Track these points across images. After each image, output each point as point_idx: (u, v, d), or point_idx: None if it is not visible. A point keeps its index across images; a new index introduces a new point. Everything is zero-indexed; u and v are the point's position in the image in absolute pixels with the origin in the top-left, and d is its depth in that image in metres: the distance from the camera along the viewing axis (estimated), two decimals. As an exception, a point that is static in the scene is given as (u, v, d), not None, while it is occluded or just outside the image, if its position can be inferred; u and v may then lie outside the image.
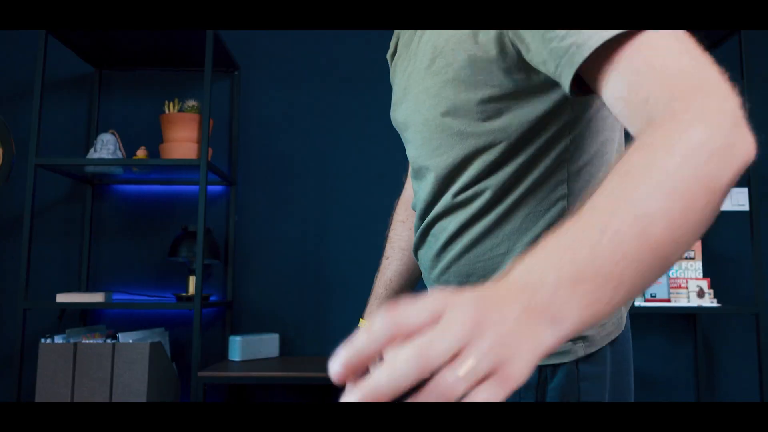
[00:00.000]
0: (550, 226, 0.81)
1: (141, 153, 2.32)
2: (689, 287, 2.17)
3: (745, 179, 2.45)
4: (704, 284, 2.16)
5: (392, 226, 1.16)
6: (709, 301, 2.14)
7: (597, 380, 0.85)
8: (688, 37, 0.65)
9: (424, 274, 0.95)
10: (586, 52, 0.63)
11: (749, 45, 2.14)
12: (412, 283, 1.14)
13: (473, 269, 0.85)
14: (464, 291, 0.45)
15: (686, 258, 2.31)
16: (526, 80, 0.75)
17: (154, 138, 2.51)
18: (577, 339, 0.82)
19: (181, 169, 2.32)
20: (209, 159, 2.21)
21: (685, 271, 2.30)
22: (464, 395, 0.48)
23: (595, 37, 0.64)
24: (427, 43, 0.87)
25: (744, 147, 0.55)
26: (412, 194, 1.06)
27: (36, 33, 2.56)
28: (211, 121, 2.44)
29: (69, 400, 1.99)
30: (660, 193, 0.50)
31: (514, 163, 0.80)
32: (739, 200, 2.50)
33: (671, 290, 2.20)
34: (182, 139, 2.27)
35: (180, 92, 2.58)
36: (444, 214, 0.87)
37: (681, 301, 2.17)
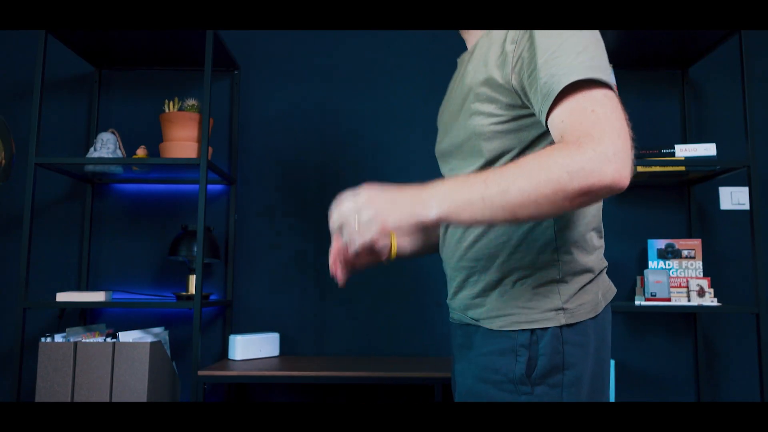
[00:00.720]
0: (536, 224, 1.08)
1: (141, 152, 2.32)
2: (690, 286, 2.17)
3: (745, 179, 2.45)
4: (705, 283, 2.16)
5: None
6: (709, 301, 2.14)
7: (580, 347, 1.07)
8: (613, 96, 0.93)
9: (448, 262, 1.21)
10: (549, 99, 0.93)
11: (749, 45, 2.14)
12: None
13: (481, 255, 1.11)
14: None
15: (687, 257, 2.31)
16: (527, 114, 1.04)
17: (154, 137, 2.51)
18: (558, 309, 1.07)
19: (181, 168, 2.32)
20: (209, 158, 2.21)
21: (686, 271, 2.30)
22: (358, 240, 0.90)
23: (556, 82, 0.92)
24: (459, 89, 1.14)
25: (599, 175, 0.85)
26: None
27: (36, 32, 2.56)
28: (211, 121, 2.44)
29: (69, 399, 1.99)
30: (524, 178, 0.86)
31: None
32: (739, 199, 2.50)
33: (671, 289, 2.20)
34: (182, 139, 2.27)
35: (180, 91, 2.58)
36: None
37: (681, 300, 2.17)
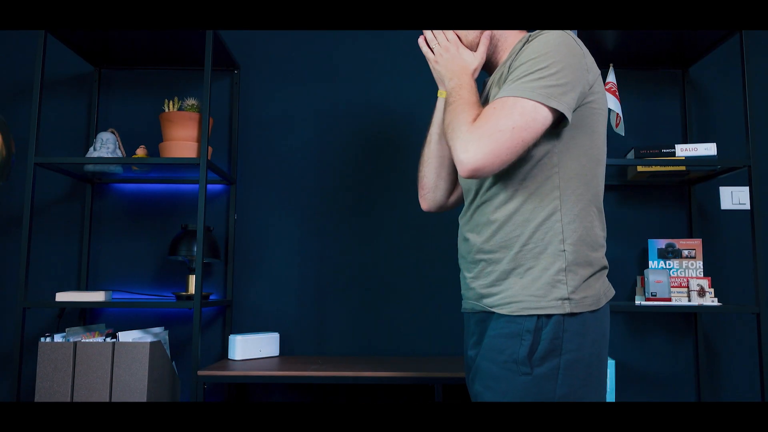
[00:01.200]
0: (547, 218, 1.23)
1: (141, 152, 2.31)
2: (690, 286, 2.17)
3: (745, 178, 2.45)
4: (705, 283, 2.16)
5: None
6: (709, 301, 2.13)
7: (579, 336, 1.19)
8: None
9: (465, 257, 1.36)
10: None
11: (749, 45, 2.14)
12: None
13: (496, 247, 1.26)
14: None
15: (687, 257, 2.31)
16: None
17: (154, 137, 2.51)
18: (564, 299, 1.19)
19: (180, 167, 2.32)
20: (209, 158, 2.20)
21: (686, 270, 2.30)
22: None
23: (503, 92, 1.22)
24: None
25: (457, 147, 1.18)
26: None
27: (36, 32, 2.56)
28: (211, 120, 2.43)
29: (69, 399, 1.99)
30: (454, 112, 1.23)
31: (518, 176, 1.25)
32: (740, 199, 2.49)
33: (672, 289, 2.20)
34: (182, 138, 2.27)
35: (180, 91, 2.58)
36: (477, 210, 1.33)
37: (682, 300, 2.17)
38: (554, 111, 1.18)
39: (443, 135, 1.33)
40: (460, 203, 1.56)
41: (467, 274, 1.34)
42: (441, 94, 1.46)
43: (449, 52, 1.36)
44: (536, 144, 1.21)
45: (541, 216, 1.23)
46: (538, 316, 1.19)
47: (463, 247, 1.37)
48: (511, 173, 1.24)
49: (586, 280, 1.23)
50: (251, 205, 2.54)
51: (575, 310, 1.19)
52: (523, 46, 1.24)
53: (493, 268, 1.26)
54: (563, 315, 1.19)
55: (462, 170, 1.17)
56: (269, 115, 2.58)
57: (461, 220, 1.40)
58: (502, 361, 1.19)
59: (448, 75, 1.34)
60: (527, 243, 1.23)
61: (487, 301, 1.27)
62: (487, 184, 1.29)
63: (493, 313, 1.25)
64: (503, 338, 1.21)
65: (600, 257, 1.27)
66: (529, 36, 1.25)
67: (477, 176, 1.16)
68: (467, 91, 1.26)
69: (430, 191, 1.52)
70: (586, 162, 1.27)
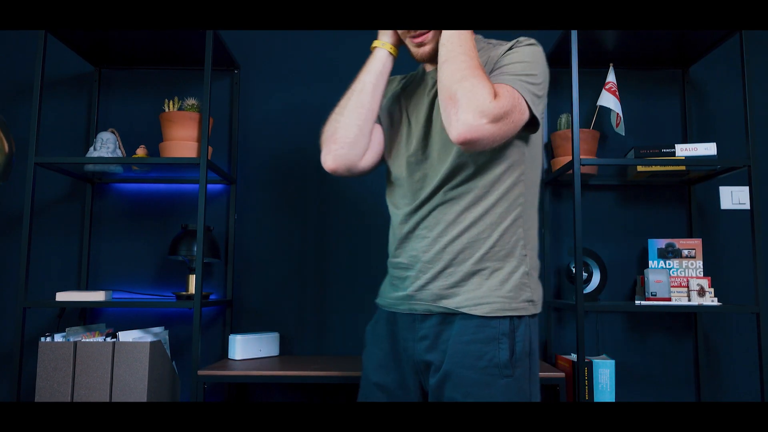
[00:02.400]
0: (513, 222, 1.27)
1: (141, 151, 2.32)
2: (690, 286, 2.17)
3: (745, 178, 2.45)
4: (705, 283, 2.16)
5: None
6: (709, 300, 2.14)
7: (535, 336, 1.27)
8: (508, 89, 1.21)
9: (417, 258, 1.31)
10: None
11: (749, 45, 2.14)
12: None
13: (462, 248, 1.26)
14: None
15: (687, 257, 2.31)
16: None
17: (154, 136, 2.51)
18: (530, 301, 1.26)
19: (180, 167, 2.32)
20: (209, 158, 2.20)
21: (686, 270, 2.30)
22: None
23: (498, 79, 1.24)
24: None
25: (467, 110, 1.14)
26: None
27: (35, 32, 2.56)
28: (211, 120, 2.43)
29: (69, 399, 1.99)
30: (460, 66, 1.18)
31: (490, 176, 1.27)
32: (739, 199, 2.50)
33: (672, 289, 2.20)
34: (182, 138, 2.27)
35: (180, 91, 2.58)
36: (437, 207, 1.30)
37: (682, 300, 2.17)
38: (532, 118, 1.24)
39: (440, 84, 1.21)
40: (370, 170, 1.45)
41: (419, 275, 1.30)
42: (382, 45, 1.40)
43: None
44: (510, 147, 1.27)
45: (509, 220, 1.27)
46: (511, 317, 1.23)
47: (414, 245, 1.32)
48: (483, 174, 1.26)
49: (537, 283, 1.31)
50: (251, 205, 2.54)
51: (536, 312, 1.28)
52: (509, 49, 1.27)
53: (456, 269, 1.26)
54: (530, 316, 1.26)
55: (462, 131, 1.14)
56: (269, 115, 2.58)
57: (406, 216, 1.34)
58: (481, 366, 1.20)
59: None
60: (494, 245, 1.25)
61: (448, 302, 1.26)
62: (455, 182, 1.28)
63: (457, 314, 1.25)
64: (480, 344, 1.21)
65: (539, 263, 1.35)
66: (515, 42, 1.28)
67: (467, 145, 1.15)
68: (474, 49, 1.22)
69: (347, 147, 1.36)
70: (539, 171, 1.36)
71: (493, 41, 1.38)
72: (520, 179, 1.29)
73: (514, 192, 1.28)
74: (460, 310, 1.24)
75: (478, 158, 1.26)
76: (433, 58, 1.34)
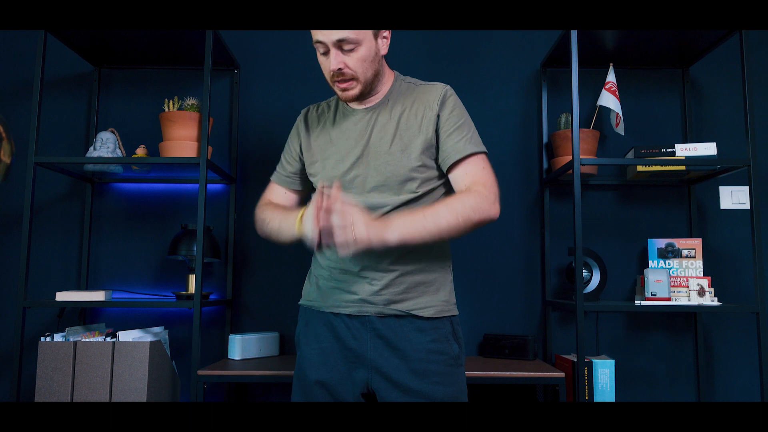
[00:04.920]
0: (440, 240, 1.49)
1: (140, 151, 2.31)
2: (690, 286, 2.17)
3: (745, 178, 2.45)
4: (705, 283, 2.16)
5: (264, 211, 1.66)
6: (709, 300, 2.13)
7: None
8: (483, 158, 1.50)
9: (370, 266, 1.47)
10: (464, 153, 1.47)
11: (749, 45, 2.14)
12: None
13: (412, 260, 1.47)
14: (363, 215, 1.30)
15: (687, 257, 2.31)
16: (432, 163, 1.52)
17: (154, 136, 2.51)
18: (454, 303, 1.53)
19: (180, 167, 2.32)
20: (209, 157, 2.20)
21: (686, 270, 2.30)
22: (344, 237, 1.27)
23: (468, 148, 1.47)
24: (382, 133, 1.52)
25: (487, 212, 1.39)
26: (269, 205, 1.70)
27: (35, 32, 2.55)
28: (211, 120, 2.43)
29: (69, 398, 1.99)
30: (450, 215, 1.36)
31: (432, 200, 1.51)
32: (739, 198, 2.50)
33: (672, 289, 2.20)
34: (182, 138, 2.27)
35: (180, 90, 2.58)
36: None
37: (681, 299, 2.17)
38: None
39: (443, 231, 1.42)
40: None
41: (375, 282, 1.46)
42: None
43: (358, 224, 1.30)
44: (442, 176, 1.51)
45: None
46: (450, 317, 1.50)
47: (367, 255, 1.46)
48: (426, 198, 1.48)
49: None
50: (251, 205, 2.53)
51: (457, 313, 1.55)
52: (442, 98, 1.48)
53: (406, 278, 1.46)
54: (457, 316, 1.53)
55: (496, 217, 1.42)
56: (269, 115, 2.58)
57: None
58: (443, 359, 1.44)
59: (387, 234, 1.34)
60: (436, 259, 1.50)
61: (400, 306, 1.46)
62: (399, 208, 1.46)
63: (408, 315, 1.46)
64: (439, 342, 1.46)
65: None
66: (445, 90, 1.50)
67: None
68: (424, 214, 1.38)
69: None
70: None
71: (410, 79, 1.57)
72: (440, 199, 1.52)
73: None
74: (411, 312, 1.46)
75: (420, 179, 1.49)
76: (358, 99, 1.51)
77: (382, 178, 1.47)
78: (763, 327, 2.01)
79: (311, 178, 1.64)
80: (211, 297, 2.44)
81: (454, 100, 1.51)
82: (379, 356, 1.45)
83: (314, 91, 2.58)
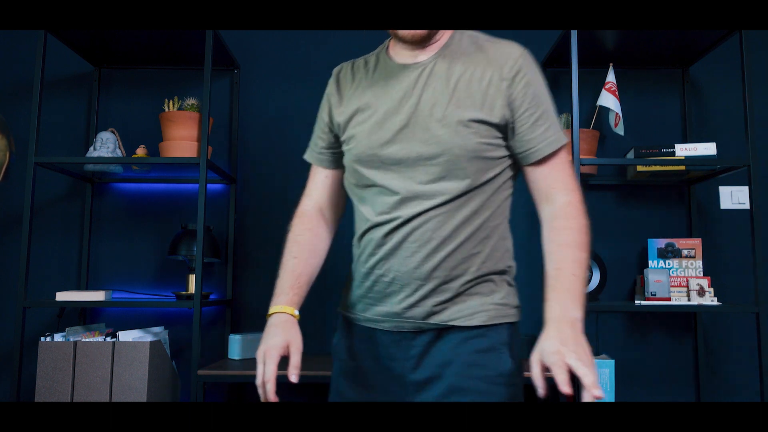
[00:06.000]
0: (501, 235, 1.24)
1: (140, 151, 2.32)
2: (690, 286, 2.17)
3: (745, 178, 2.45)
4: (704, 283, 2.16)
5: (299, 232, 1.44)
6: (709, 300, 2.14)
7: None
8: (567, 152, 1.23)
9: (402, 273, 1.20)
10: (552, 148, 1.20)
11: (749, 45, 2.14)
12: (313, 279, 1.41)
13: (455, 264, 1.18)
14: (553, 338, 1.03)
15: (687, 257, 2.31)
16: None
17: (154, 136, 2.51)
18: (517, 306, 1.24)
19: (180, 167, 2.32)
20: (209, 157, 2.20)
21: (686, 270, 2.30)
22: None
23: (553, 144, 1.20)
24: (429, 95, 1.21)
25: (587, 227, 1.18)
26: (312, 208, 1.47)
27: (35, 32, 2.55)
28: (211, 120, 2.43)
29: (69, 398, 1.99)
30: (584, 255, 1.15)
31: (487, 189, 1.22)
32: (739, 198, 2.50)
33: (672, 289, 2.20)
34: (182, 138, 2.27)
35: (180, 90, 2.58)
36: (431, 220, 1.18)
37: (681, 299, 2.17)
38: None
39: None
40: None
41: (412, 293, 1.19)
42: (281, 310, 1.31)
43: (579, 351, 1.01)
44: (509, 159, 1.24)
45: (495, 235, 1.23)
46: (506, 324, 1.21)
47: (402, 261, 1.20)
48: (486, 187, 1.21)
49: (516, 291, 1.30)
50: (251, 205, 2.54)
51: (519, 318, 1.26)
52: (518, 67, 1.19)
53: (450, 285, 1.18)
54: (515, 323, 1.24)
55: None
56: (269, 115, 2.58)
57: (391, 227, 1.21)
58: (485, 376, 1.16)
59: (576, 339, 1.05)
60: (487, 259, 1.21)
61: (438, 317, 1.19)
62: (453, 201, 1.19)
63: (451, 328, 1.19)
64: (483, 354, 1.17)
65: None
66: (522, 57, 1.21)
67: None
68: (574, 274, 1.13)
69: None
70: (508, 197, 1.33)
71: (473, 33, 1.27)
72: (508, 189, 1.27)
73: (504, 204, 1.26)
74: (452, 323, 1.18)
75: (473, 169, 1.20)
76: (420, 43, 1.23)
77: (433, 155, 1.16)
78: (763, 327, 2.01)
79: (345, 154, 1.31)
80: (211, 297, 2.44)
81: (533, 72, 1.20)
82: (419, 377, 1.21)
83: (314, 90, 2.58)
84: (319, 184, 1.45)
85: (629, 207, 2.51)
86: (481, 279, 1.20)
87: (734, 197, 2.50)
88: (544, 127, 1.18)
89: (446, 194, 1.17)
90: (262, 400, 1.14)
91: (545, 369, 0.99)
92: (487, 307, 1.19)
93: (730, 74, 2.56)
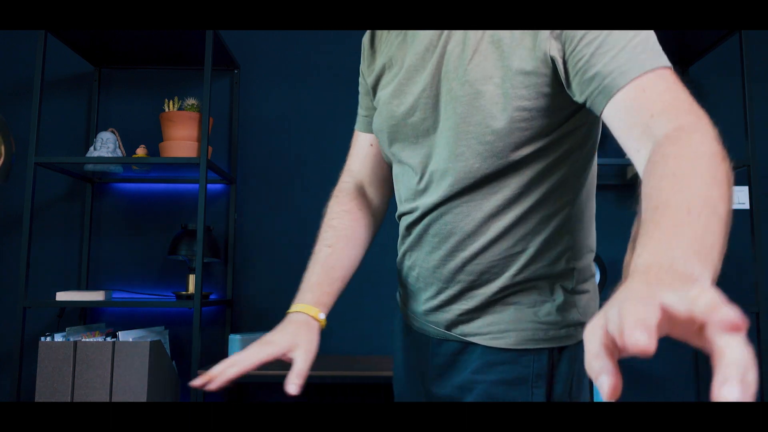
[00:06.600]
0: (557, 229, 0.90)
1: (141, 151, 2.32)
2: (689, 286, 2.17)
3: (745, 178, 2.45)
4: (704, 283, 2.16)
5: (335, 214, 1.19)
6: (708, 300, 2.13)
7: (581, 365, 0.89)
8: (671, 74, 0.77)
9: (425, 267, 0.97)
10: (624, 81, 0.76)
11: (749, 45, 2.14)
12: (351, 274, 1.14)
13: (489, 267, 0.91)
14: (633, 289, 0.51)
15: (686, 257, 2.31)
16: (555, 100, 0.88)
17: (154, 136, 2.51)
18: (578, 324, 0.90)
19: (180, 167, 2.32)
20: (209, 157, 2.20)
21: (685, 270, 2.30)
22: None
23: (633, 70, 0.76)
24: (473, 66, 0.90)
25: (719, 148, 0.69)
26: (352, 185, 1.18)
27: (35, 32, 2.55)
28: (211, 120, 2.43)
29: (69, 398, 1.99)
30: (714, 189, 0.64)
31: (533, 169, 0.88)
32: (739, 198, 2.49)
33: (671, 289, 2.20)
34: (182, 138, 2.27)
35: (180, 90, 2.58)
36: (452, 211, 0.91)
37: (681, 300, 2.17)
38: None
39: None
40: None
41: (435, 294, 0.97)
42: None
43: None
44: (565, 125, 0.92)
45: (549, 228, 0.92)
46: (549, 350, 0.90)
47: (423, 256, 0.98)
48: (530, 168, 0.89)
49: (592, 297, 0.96)
50: (251, 205, 2.54)
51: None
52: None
53: (480, 290, 0.92)
54: (576, 344, 0.90)
55: None
56: (269, 115, 2.58)
57: (418, 214, 0.97)
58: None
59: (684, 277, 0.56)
60: (532, 261, 0.91)
61: (463, 329, 0.95)
62: (489, 185, 0.90)
63: (478, 345, 0.93)
64: (505, 386, 0.90)
65: (594, 269, 1.03)
66: None
67: None
68: (689, 209, 0.63)
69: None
70: (593, 172, 0.98)
71: None
72: (570, 179, 0.92)
73: (559, 192, 0.91)
74: (476, 341, 0.93)
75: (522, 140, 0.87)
76: None
77: (459, 125, 0.88)
78: (763, 327, 2.01)
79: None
80: (211, 297, 2.44)
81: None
82: (438, 392, 1.02)
83: (314, 90, 2.58)
84: (360, 153, 1.18)
85: (629, 207, 2.51)
86: (523, 285, 0.91)
87: (734, 197, 2.50)
88: (611, 54, 0.79)
89: (482, 172, 0.88)
90: (205, 379, 0.92)
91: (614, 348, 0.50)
92: (524, 324, 0.90)
93: (729, 74, 2.56)
